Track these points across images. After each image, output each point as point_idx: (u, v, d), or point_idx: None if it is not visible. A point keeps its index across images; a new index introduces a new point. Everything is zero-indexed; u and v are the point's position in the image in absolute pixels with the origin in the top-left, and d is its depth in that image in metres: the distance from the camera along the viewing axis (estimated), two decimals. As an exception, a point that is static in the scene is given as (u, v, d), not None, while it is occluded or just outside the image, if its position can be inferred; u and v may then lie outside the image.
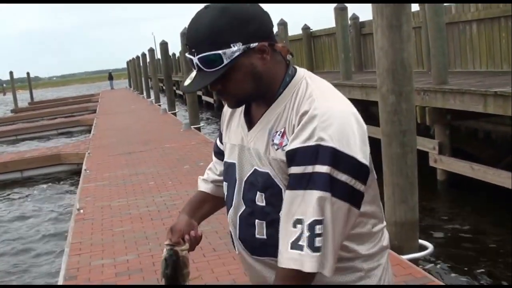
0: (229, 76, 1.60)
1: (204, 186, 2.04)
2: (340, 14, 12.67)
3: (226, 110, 1.90)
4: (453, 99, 8.36)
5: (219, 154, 1.98)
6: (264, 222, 1.67)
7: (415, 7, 12.70)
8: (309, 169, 1.52)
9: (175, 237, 1.80)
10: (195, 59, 1.60)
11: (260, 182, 1.66)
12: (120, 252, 5.81)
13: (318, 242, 1.50)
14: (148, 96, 32.86)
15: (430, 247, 5.30)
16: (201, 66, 1.60)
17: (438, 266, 6.76)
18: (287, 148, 1.58)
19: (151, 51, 31.39)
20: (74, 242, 6.31)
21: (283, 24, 16.42)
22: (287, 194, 1.57)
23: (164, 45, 23.42)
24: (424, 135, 9.77)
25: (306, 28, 19.52)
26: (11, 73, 54.92)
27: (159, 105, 24.40)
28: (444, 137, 9.38)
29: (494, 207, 8.53)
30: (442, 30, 9.14)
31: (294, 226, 1.53)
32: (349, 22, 14.84)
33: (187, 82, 1.67)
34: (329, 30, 17.40)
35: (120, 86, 63.70)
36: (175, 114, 21.22)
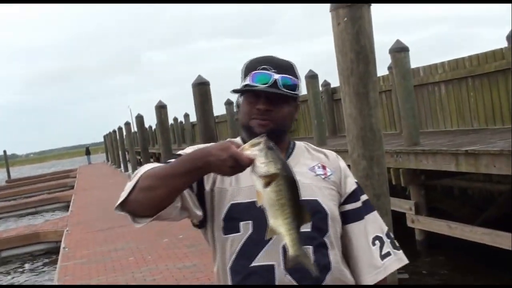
0: (284, 106, 1.93)
1: None
2: (311, 82, 12.93)
3: None
4: (425, 159, 8.50)
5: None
6: (311, 247, 1.82)
7: (384, 71, 13.06)
8: (362, 199, 2.01)
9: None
10: (278, 76, 1.89)
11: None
12: (100, 332, 5.72)
13: (396, 243, 2.02)
14: (126, 169, 32.72)
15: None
16: (280, 83, 1.89)
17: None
18: (347, 190, 1.99)
19: (127, 124, 31.54)
20: (53, 324, 6.20)
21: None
22: (357, 225, 1.96)
23: (140, 118, 23.54)
24: (401, 196, 9.86)
25: (279, 96, 19.82)
26: (-13, 152, 54.71)
27: (137, 178, 24.27)
28: (420, 197, 9.48)
29: (474, 265, 8.56)
30: (410, 94, 9.35)
31: (374, 244, 1.96)
32: (321, 88, 15.15)
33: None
34: (301, 96, 17.61)
35: (97, 159, 63.52)
36: (153, 186, 21.09)
